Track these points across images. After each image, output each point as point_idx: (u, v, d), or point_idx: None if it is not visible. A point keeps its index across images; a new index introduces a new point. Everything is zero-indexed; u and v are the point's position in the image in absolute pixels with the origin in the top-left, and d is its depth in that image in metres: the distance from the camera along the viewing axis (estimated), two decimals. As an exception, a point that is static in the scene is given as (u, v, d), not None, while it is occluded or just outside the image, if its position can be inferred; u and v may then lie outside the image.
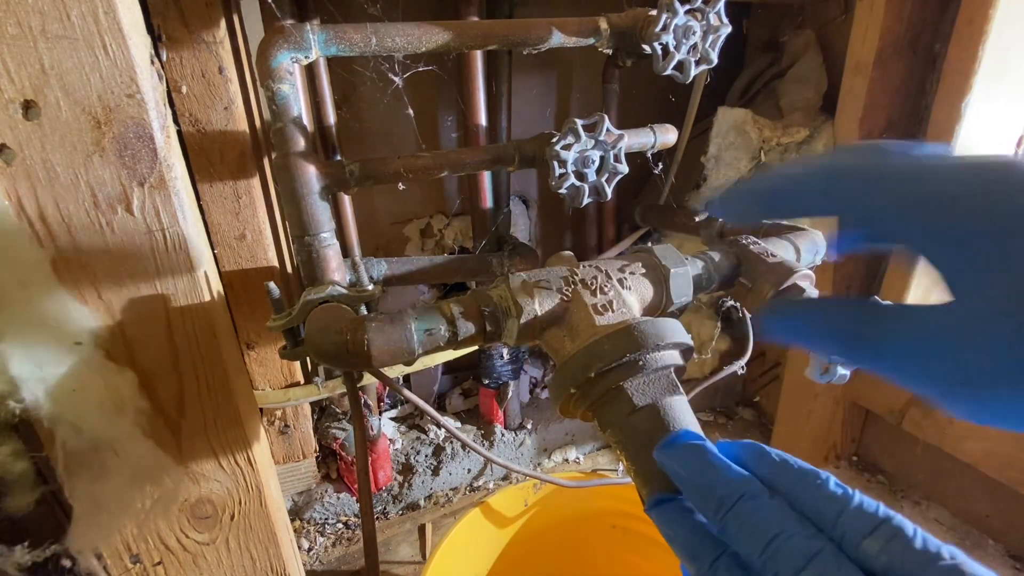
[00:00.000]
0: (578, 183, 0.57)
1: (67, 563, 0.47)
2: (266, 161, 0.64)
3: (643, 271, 0.46)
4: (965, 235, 0.23)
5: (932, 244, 0.24)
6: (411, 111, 0.66)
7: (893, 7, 0.70)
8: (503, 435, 0.97)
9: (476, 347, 0.46)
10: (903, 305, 0.26)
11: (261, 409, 0.71)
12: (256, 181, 0.59)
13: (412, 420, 0.98)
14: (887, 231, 0.26)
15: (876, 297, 0.31)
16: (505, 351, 0.92)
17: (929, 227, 0.24)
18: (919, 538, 0.22)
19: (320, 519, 0.90)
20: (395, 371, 0.73)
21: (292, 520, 0.89)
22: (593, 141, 0.55)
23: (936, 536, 0.23)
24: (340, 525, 0.90)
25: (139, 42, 0.39)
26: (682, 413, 0.35)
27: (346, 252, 0.77)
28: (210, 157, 0.56)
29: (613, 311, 0.40)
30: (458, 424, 0.99)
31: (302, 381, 0.71)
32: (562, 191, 0.57)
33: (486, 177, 0.79)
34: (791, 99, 0.87)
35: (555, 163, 0.55)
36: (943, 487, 0.91)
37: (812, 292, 0.48)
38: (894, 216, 0.25)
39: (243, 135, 0.57)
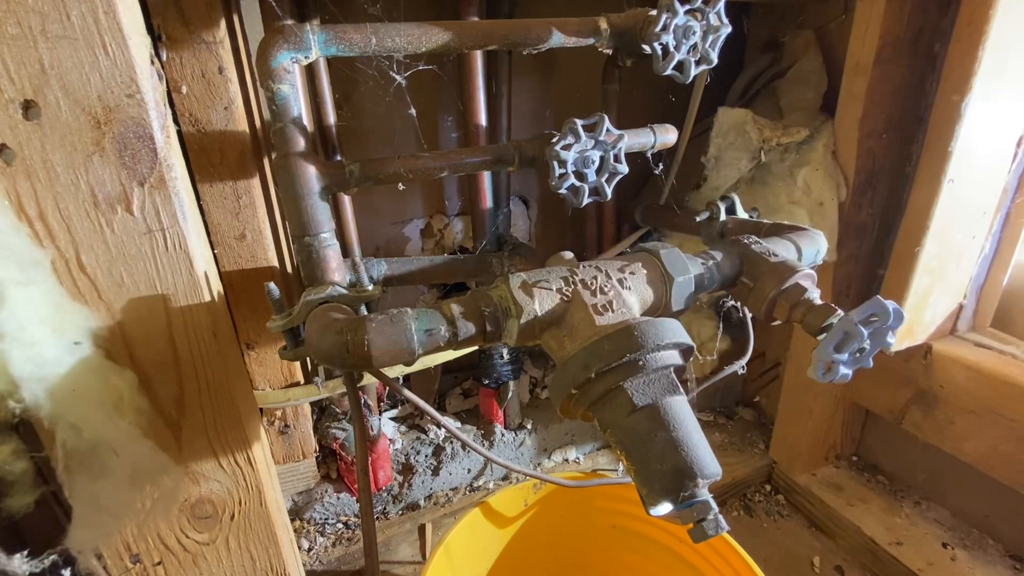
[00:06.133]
0: (578, 183, 0.57)
1: (66, 573, 0.47)
2: (266, 161, 0.64)
3: (644, 271, 0.46)
4: None
5: None
6: (414, 111, 0.66)
7: (893, 7, 0.70)
8: (503, 435, 0.97)
9: (476, 347, 0.46)
10: None
11: (261, 409, 0.71)
12: (256, 181, 0.59)
13: (412, 420, 0.98)
14: None
15: None
16: (505, 351, 0.92)
17: None
18: None
19: (320, 519, 0.90)
20: (395, 371, 0.73)
21: (292, 520, 0.89)
22: (593, 141, 0.55)
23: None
24: (340, 525, 0.90)
25: (139, 42, 0.39)
26: (682, 413, 0.35)
27: (346, 252, 0.77)
28: (210, 157, 0.56)
29: (613, 311, 0.40)
30: (458, 424, 0.99)
31: (302, 381, 0.71)
32: (562, 191, 0.56)
33: (486, 177, 0.79)
34: (791, 99, 0.87)
35: (555, 163, 0.55)
36: (943, 487, 0.91)
37: (814, 292, 0.48)
38: None
39: (243, 135, 0.57)
